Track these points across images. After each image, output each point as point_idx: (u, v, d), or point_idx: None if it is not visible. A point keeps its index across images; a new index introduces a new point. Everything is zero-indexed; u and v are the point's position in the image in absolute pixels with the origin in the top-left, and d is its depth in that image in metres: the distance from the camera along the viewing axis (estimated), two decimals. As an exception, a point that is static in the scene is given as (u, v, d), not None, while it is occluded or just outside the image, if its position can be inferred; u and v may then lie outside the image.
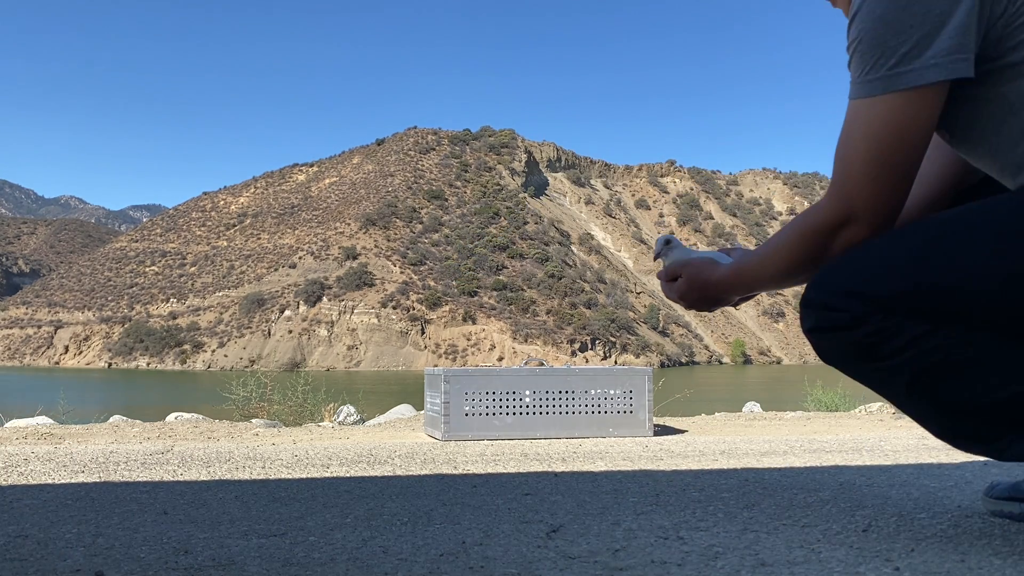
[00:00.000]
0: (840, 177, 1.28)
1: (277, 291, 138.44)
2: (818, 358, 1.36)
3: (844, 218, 1.28)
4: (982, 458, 2.77)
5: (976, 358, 1.22)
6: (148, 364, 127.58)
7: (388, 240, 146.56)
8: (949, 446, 1.32)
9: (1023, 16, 1.19)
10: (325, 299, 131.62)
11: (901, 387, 1.28)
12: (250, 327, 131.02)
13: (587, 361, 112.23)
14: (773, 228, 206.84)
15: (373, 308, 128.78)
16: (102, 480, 2.57)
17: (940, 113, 1.26)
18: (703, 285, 1.54)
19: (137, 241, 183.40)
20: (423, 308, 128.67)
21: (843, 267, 1.29)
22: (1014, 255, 1.17)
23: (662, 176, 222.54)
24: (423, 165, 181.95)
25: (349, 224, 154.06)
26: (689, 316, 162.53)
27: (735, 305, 1.60)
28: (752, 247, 1.56)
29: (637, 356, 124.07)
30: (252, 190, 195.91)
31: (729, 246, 1.68)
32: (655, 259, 1.66)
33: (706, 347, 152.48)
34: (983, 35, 1.20)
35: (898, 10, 1.20)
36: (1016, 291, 1.17)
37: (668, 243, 1.64)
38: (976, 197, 1.36)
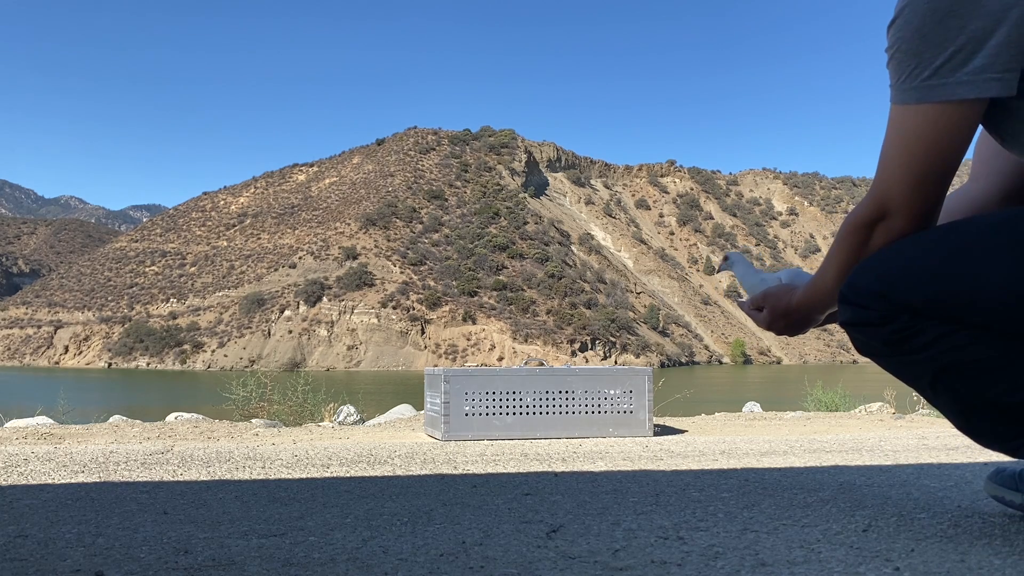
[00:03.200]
0: (879, 175, 1.32)
1: (277, 291, 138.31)
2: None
3: (880, 213, 1.32)
4: (983, 458, 2.78)
5: (996, 360, 1.26)
6: (148, 364, 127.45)
7: (388, 240, 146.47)
8: (949, 446, 1.33)
9: None
10: (325, 299, 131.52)
11: (927, 381, 1.34)
12: (250, 327, 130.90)
13: (587, 361, 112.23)
14: (773, 228, 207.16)
15: (373, 308, 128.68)
16: (102, 480, 2.57)
17: (981, 122, 1.28)
18: (785, 312, 1.58)
19: (137, 241, 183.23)
20: (423, 308, 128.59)
21: (873, 268, 1.33)
22: None
23: (662, 176, 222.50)
24: (423, 165, 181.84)
25: (349, 224, 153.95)
26: (689, 316, 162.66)
27: (822, 325, 1.62)
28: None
29: (637, 356, 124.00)
30: (252, 190, 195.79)
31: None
32: (717, 271, 1.76)
33: (706, 347, 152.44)
34: None
35: (934, 23, 1.20)
36: None
37: (727, 259, 1.72)
38: None
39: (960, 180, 1.52)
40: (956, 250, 1.27)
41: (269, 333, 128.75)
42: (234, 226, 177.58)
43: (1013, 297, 1.21)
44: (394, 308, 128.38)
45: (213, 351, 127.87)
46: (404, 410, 6.33)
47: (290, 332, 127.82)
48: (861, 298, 1.33)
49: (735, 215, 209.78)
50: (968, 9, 1.18)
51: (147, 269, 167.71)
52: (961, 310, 1.25)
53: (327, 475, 2.68)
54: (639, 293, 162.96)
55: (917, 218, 1.30)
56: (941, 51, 1.20)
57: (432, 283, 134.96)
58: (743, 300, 1.68)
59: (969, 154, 1.42)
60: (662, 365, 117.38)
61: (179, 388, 53.29)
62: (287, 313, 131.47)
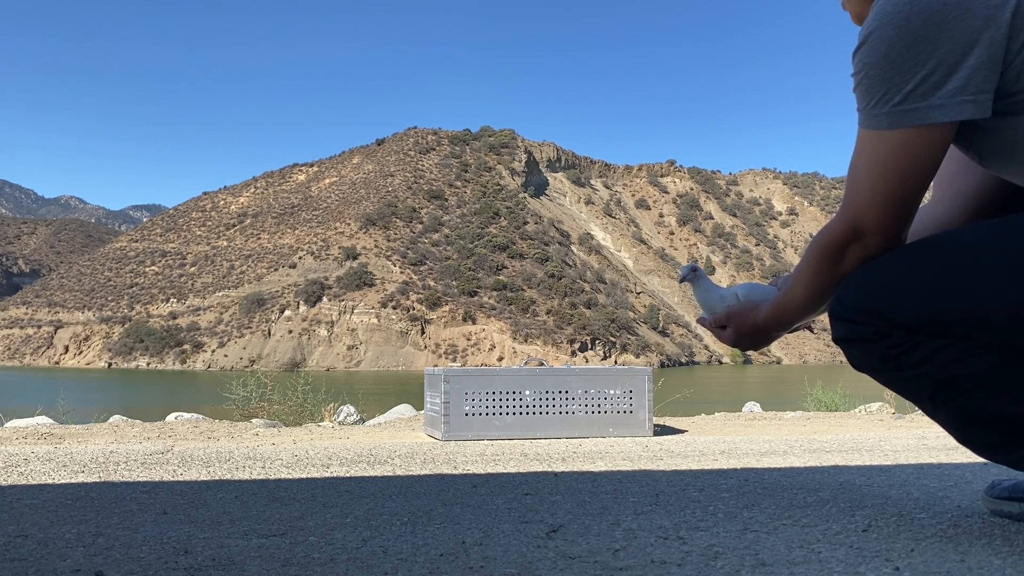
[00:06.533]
0: (849, 198, 1.32)
1: (277, 291, 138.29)
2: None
3: (852, 235, 1.33)
4: (983, 459, 2.77)
5: (994, 373, 1.26)
6: (148, 364, 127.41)
7: (388, 240, 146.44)
8: (949, 446, 1.34)
9: None
10: (325, 299, 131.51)
11: (926, 395, 1.34)
12: (250, 327, 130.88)
13: (587, 361, 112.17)
14: (773, 228, 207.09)
15: (373, 308, 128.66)
16: (102, 480, 2.57)
17: (955, 142, 1.28)
18: (752, 330, 1.59)
19: (137, 241, 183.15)
20: (423, 308, 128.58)
21: (864, 284, 1.33)
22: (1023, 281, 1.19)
23: (662, 176, 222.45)
24: (423, 165, 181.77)
25: (349, 224, 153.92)
26: (689, 316, 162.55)
27: (791, 332, 1.63)
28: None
29: (637, 356, 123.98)
30: (252, 190, 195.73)
31: (773, 277, 1.74)
32: (680, 282, 1.75)
33: (706, 347, 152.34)
34: (1001, 73, 1.20)
35: (903, 48, 1.20)
36: None
37: (695, 271, 1.74)
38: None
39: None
40: (945, 265, 1.27)
41: (269, 333, 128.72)
42: (234, 226, 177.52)
43: (1006, 309, 1.20)
44: (394, 308, 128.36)
45: (213, 351, 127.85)
46: (404, 410, 6.32)
47: (290, 332, 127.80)
48: (853, 314, 1.33)
49: (735, 215, 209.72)
50: (937, 33, 1.18)
51: (147, 269, 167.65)
52: (955, 326, 1.25)
53: (327, 475, 2.68)
54: (639, 293, 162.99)
55: (891, 238, 1.31)
56: (911, 76, 1.20)
57: (432, 283, 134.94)
58: (704, 318, 1.69)
59: None
60: (662, 365, 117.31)
61: (179, 388, 53.25)
62: (287, 313, 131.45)
